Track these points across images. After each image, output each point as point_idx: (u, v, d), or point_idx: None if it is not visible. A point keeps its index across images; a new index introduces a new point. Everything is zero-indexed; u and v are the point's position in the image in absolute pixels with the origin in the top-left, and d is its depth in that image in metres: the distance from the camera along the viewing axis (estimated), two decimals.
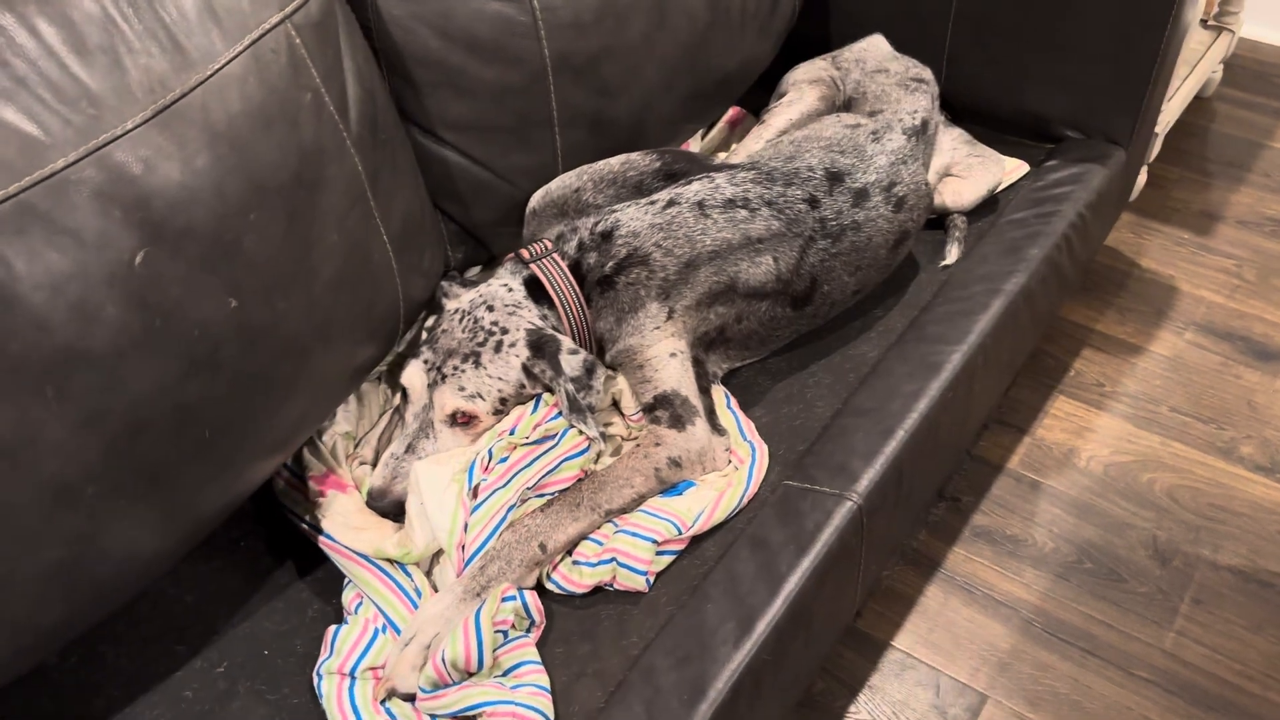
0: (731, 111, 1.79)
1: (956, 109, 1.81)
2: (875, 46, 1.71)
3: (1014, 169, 1.73)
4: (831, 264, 1.40)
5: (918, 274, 1.57)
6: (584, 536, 1.20)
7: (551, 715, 1.06)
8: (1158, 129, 2.00)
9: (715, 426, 1.33)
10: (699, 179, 1.37)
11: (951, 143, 1.67)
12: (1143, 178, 2.08)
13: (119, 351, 0.93)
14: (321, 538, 1.20)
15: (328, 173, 1.09)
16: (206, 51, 0.99)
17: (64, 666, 1.12)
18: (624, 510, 1.22)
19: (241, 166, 1.00)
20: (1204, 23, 2.32)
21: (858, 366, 1.44)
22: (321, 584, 1.20)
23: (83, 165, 0.91)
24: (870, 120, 1.53)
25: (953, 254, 1.58)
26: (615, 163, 1.43)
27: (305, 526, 1.23)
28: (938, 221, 1.65)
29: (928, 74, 1.65)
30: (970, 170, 1.65)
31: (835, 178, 1.41)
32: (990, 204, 1.67)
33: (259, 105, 1.01)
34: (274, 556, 1.24)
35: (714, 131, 1.79)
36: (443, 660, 1.06)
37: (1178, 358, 1.86)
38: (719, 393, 1.39)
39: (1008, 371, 1.61)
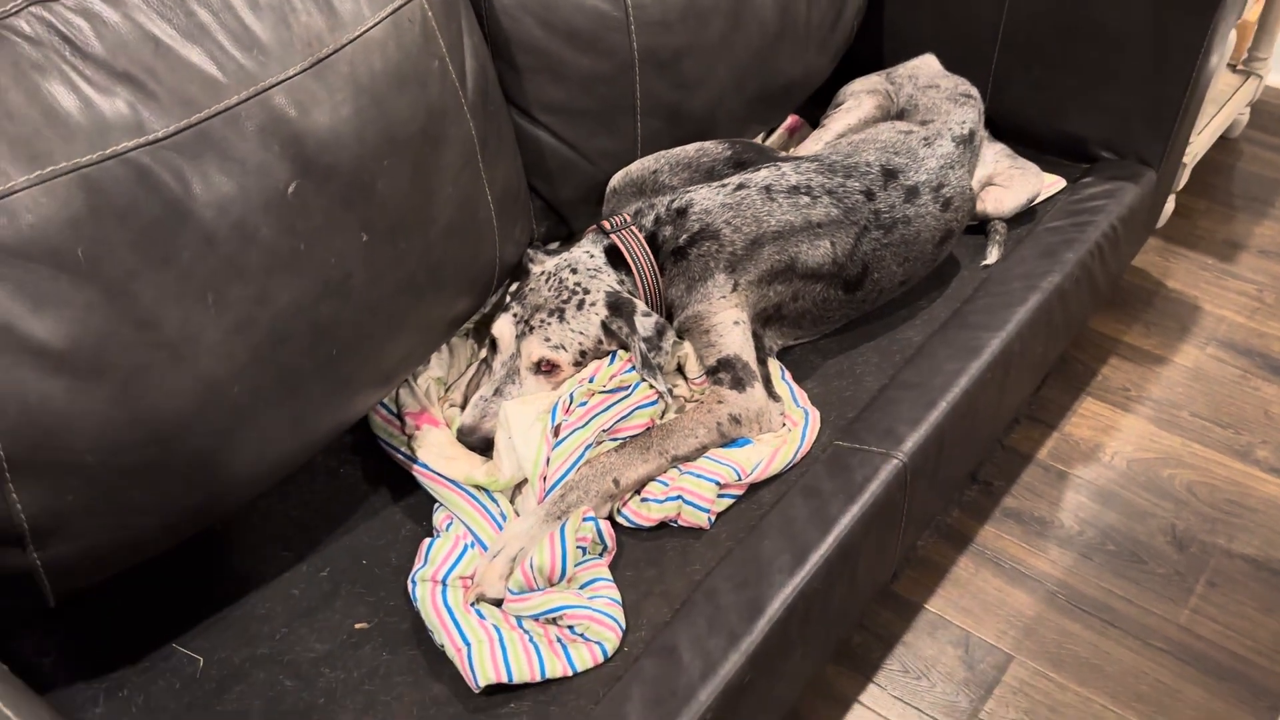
0: (790, 119, 1.93)
1: (1000, 127, 1.93)
2: (927, 64, 1.85)
3: (1052, 183, 1.86)
4: (883, 253, 1.52)
5: (960, 271, 1.70)
6: (652, 478, 1.32)
7: (623, 623, 1.17)
8: (1186, 159, 2.13)
9: (771, 393, 1.45)
10: (767, 167, 1.50)
11: (994, 155, 1.80)
12: (1170, 205, 2.20)
13: (269, 269, 1.07)
14: (416, 466, 1.33)
15: (448, 131, 1.23)
16: (356, 15, 1.13)
17: (187, 561, 1.24)
18: (688, 458, 1.34)
19: (379, 118, 1.14)
20: (1233, 67, 2.46)
21: (904, 348, 1.56)
22: (413, 508, 1.32)
23: (251, 104, 1.05)
24: (922, 128, 1.66)
25: (993, 255, 1.71)
26: (691, 149, 1.57)
27: (401, 456, 1.35)
28: (979, 227, 1.77)
29: (975, 91, 1.78)
30: (1011, 180, 1.78)
31: (890, 174, 1.54)
32: (1029, 213, 1.80)
33: (396, 65, 1.16)
34: (370, 483, 1.36)
35: (774, 136, 1.93)
36: (530, 566, 1.18)
37: (1199, 369, 1.97)
38: (774, 365, 1.51)
39: (1039, 367, 1.73)
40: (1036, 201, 1.81)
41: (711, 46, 1.57)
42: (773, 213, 1.44)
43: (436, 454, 1.33)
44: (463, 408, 1.41)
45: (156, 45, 1.01)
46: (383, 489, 1.35)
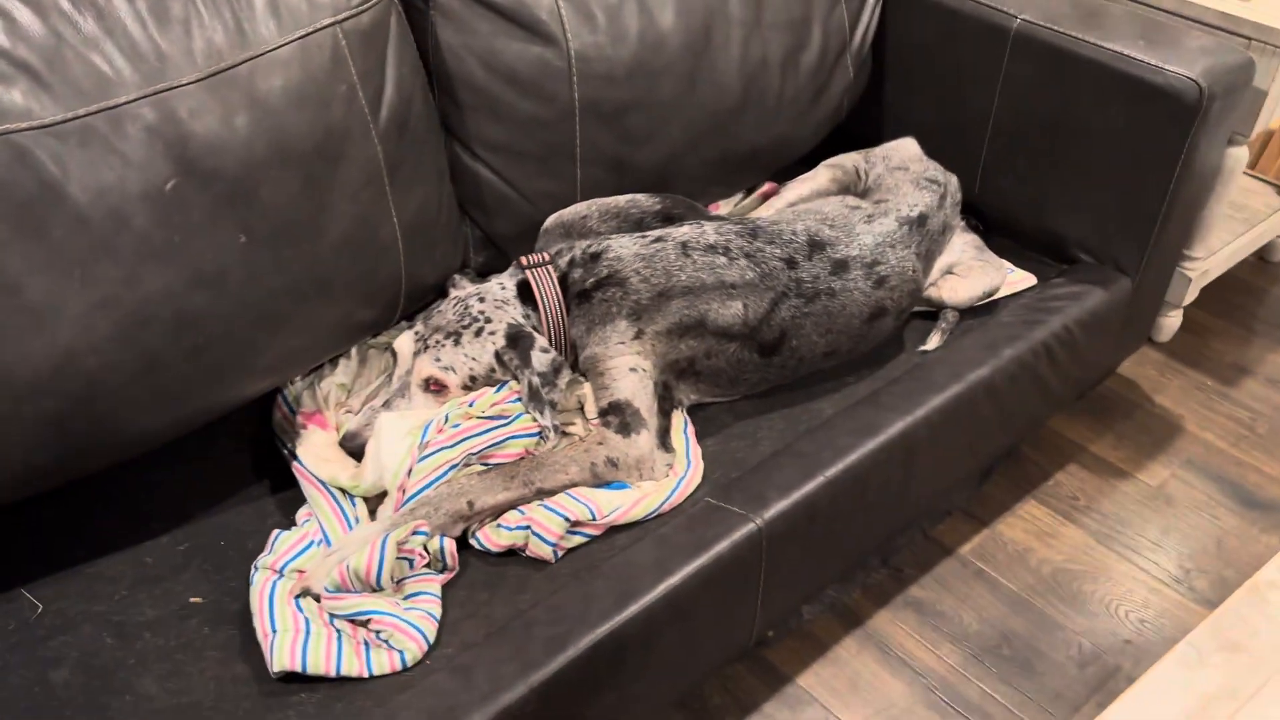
0: (766, 185, 1.96)
1: (986, 219, 1.93)
2: (905, 147, 1.86)
3: (1020, 280, 1.83)
4: (802, 322, 1.54)
5: (899, 355, 1.69)
6: (512, 506, 1.36)
7: (431, 638, 1.22)
8: (1191, 274, 2.06)
9: (665, 444, 1.48)
10: (690, 224, 1.54)
11: (962, 245, 1.79)
12: (1175, 320, 2.13)
13: (139, 255, 1.17)
14: (295, 463, 1.40)
15: (349, 152, 1.31)
16: (263, 37, 1.23)
17: (51, 513, 1.34)
18: (553, 492, 1.38)
19: (272, 131, 1.23)
20: (1278, 187, 2.37)
21: (811, 418, 1.56)
22: (286, 502, 1.40)
23: (140, 104, 1.15)
24: (871, 205, 1.68)
25: (933, 341, 1.69)
26: (622, 200, 1.62)
27: (285, 452, 1.43)
28: (935, 314, 1.76)
29: (946, 178, 1.78)
30: (970, 271, 1.76)
31: (817, 245, 1.55)
32: (990, 307, 1.78)
33: (297, 85, 1.25)
34: (256, 473, 1.44)
35: (747, 200, 1.96)
36: (348, 568, 1.23)
37: (1160, 489, 1.90)
38: (678, 418, 1.54)
39: (963, 459, 1.70)
40: (997, 296, 1.79)
41: (662, 105, 1.62)
42: (685, 268, 1.48)
43: (314, 454, 1.40)
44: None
45: (60, 42, 1.12)
46: (265, 480, 1.43)
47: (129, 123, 1.14)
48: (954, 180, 1.81)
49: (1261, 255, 2.45)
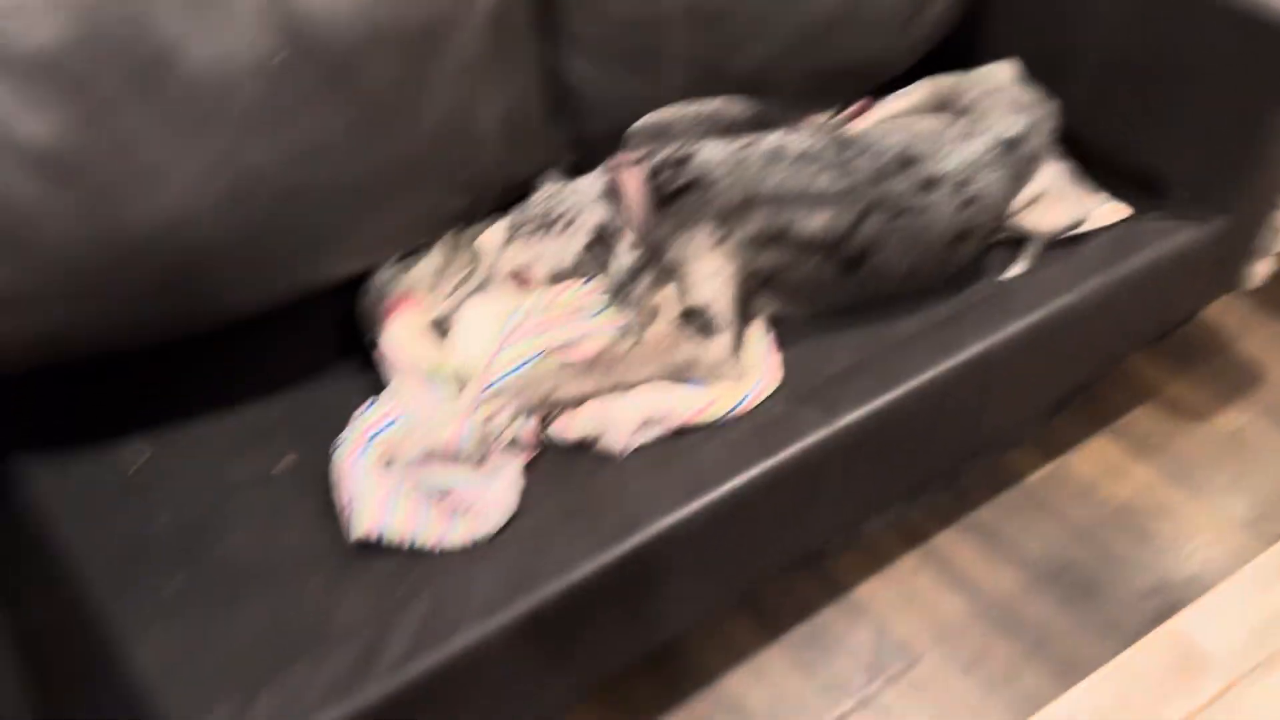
0: (860, 102, 1.94)
1: (1082, 152, 1.89)
2: (1003, 70, 1.82)
3: (1113, 212, 1.80)
4: (887, 237, 1.53)
5: (981, 280, 1.68)
6: (589, 398, 1.39)
7: (509, 511, 1.26)
8: None
9: (741, 350, 1.50)
10: (781, 130, 1.54)
11: (1052, 173, 1.76)
12: (1265, 267, 2.09)
13: (246, 126, 1.20)
14: (380, 345, 1.45)
15: (449, 39, 1.33)
16: None
17: (152, 374, 1.40)
18: (630, 386, 1.41)
19: (376, 11, 1.25)
20: None
21: (890, 335, 1.57)
22: (372, 385, 1.43)
23: None
24: (967, 125, 1.66)
25: (1017, 267, 1.68)
26: (714, 104, 1.62)
27: (370, 337, 1.47)
28: (1021, 241, 1.75)
29: (1042, 104, 1.75)
30: (1059, 199, 1.74)
31: (907, 161, 1.54)
32: (1077, 238, 1.75)
33: None
34: (343, 355, 1.48)
35: (838, 118, 1.94)
36: (434, 441, 1.28)
37: (1237, 433, 1.88)
38: (757, 326, 1.55)
39: (1040, 387, 1.70)
40: (1087, 227, 1.76)
41: (762, 11, 1.61)
42: (772, 174, 1.48)
43: (401, 337, 1.44)
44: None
45: None
46: (356, 357, 1.46)
47: None
48: (1050, 108, 1.78)
49: None
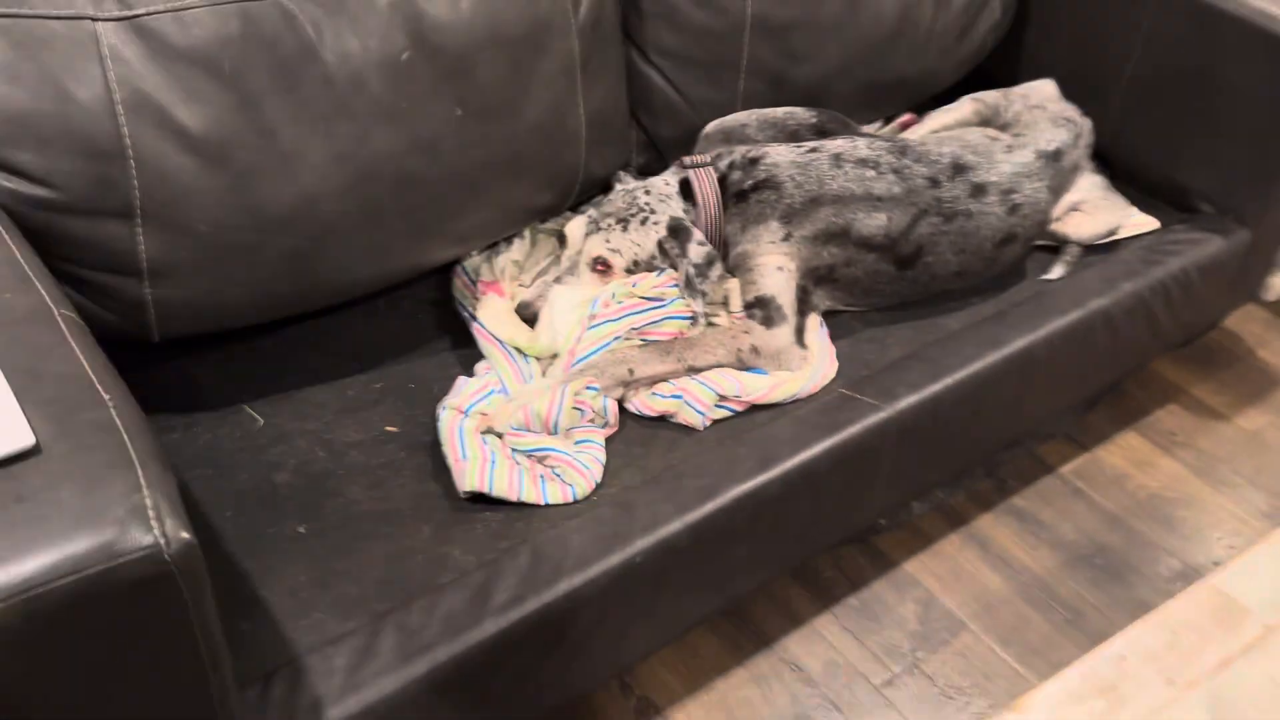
0: (906, 116, 2.06)
1: (1113, 165, 2.01)
2: (1043, 88, 1.95)
3: (1143, 222, 1.93)
4: (938, 239, 1.66)
5: (1023, 282, 1.80)
6: (665, 378, 1.51)
7: (598, 478, 1.37)
8: None
9: (802, 341, 1.61)
10: (843, 138, 1.67)
11: (1089, 184, 1.89)
12: None
13: (372, 116, 1.32)
14: (475, 324, 1.56)
15: (550, 43, 1.45)
16: None
17: (269, 345, 1.52)
18: (702, 369, 1.52)
19: (491, 16, 1.38)
20: None
21: (939, 330, 1.68)
22: (464, 357, 1.55)
23: None
24: (1011, 138, 1.78)
25: (1056, 271, 1.80)
26: (780, 111, 1.75)
27: (465, 314, 1.59)
28: (1058, 248, 1.87)
29: (1081, 120, 1.87)
30: (1096, 209, 1.86)
31: (960, 168, 1.67)
32: (1112, 245, 1.88)
33: None
34: (437, 330, 1.60)
35: (888, 128, 2.07)
36: (530, 411, 1.39)
37: (1258, 433, 2.00)
38: (815, 319, 1.67)
39: (1074, 384, 1.81)
40: (1120, 235, 1.88)
41: (823, 26, 1.74)
42: (836, 178, 1.60)
43: (493, 317, 1.56)
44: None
45: None
46: (446, 337, 1.59)
47: None
48: (1088, 123, 1.90)
49: None
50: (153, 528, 0.83)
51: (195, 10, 1.20)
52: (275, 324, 1.51)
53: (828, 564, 1.71)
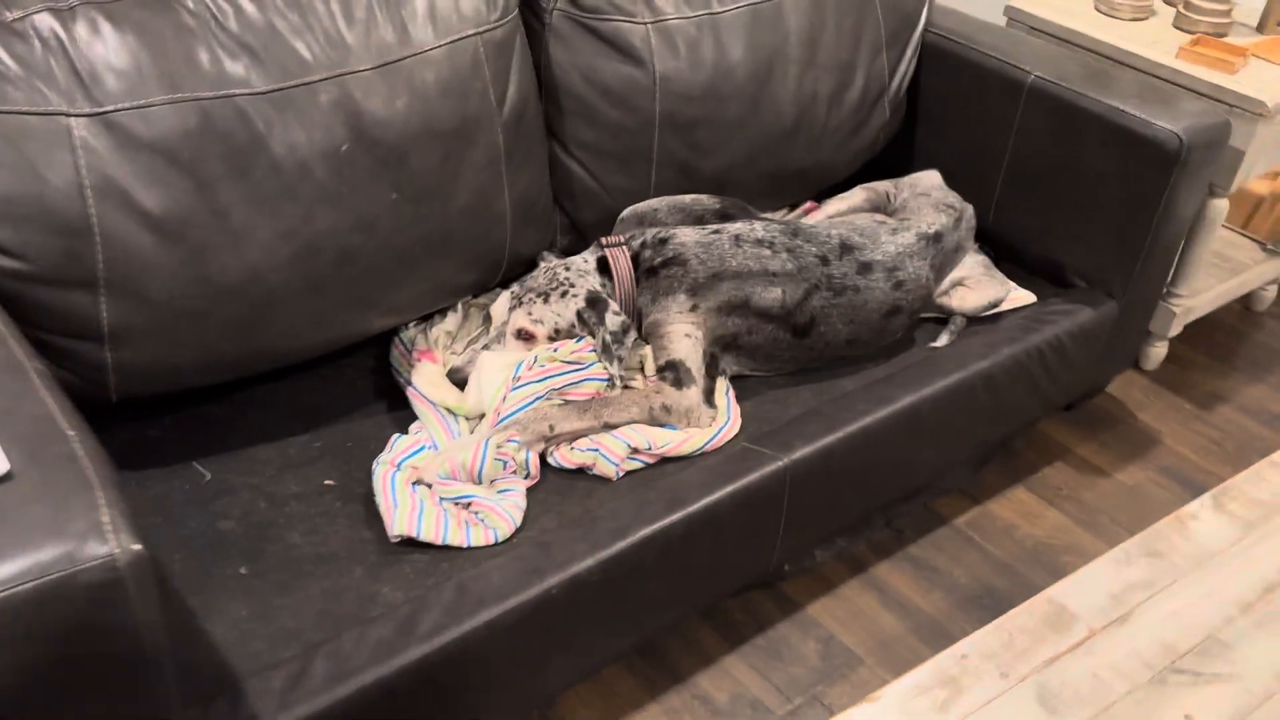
0: (808, 204, 2.27)
1: (996, 245, 2.22)
2: (929, 178, 2.17)
3: (1022, 297, 2.13)
4: (830, 310, 1.84)
5: (911, 349, 1.98)
6: (583, 434, 1.66)
7: (518, 522, 1.51)
8: (1175, 309, 2.35)
9: (710, 401, 1.78)
10: (743, 221, 1.86)
11: (972, 263, 2.09)
12: (1161, 350, 2.42)
13: (315, 199, 1.49)
14: (410, 388, 1.71)
15: (479, 137, 1.64)
16: (422, 39, 1.56)
17: (215, 408, 1.66)
18: (617, 426, 1.68)
19: (424, 113, 1.56)
20: (1262, 245, 2.65)
21: (834, 391, 1.86)
22: (399, 419, 1.70)
23: (329, 83, 1.48)
24: (896, 222, 1.98)
25: (943, 339, 1.99)
26: (688, 198, 1.94)
27: (401, 380, 1.74)
28: (945, 320, 2.06)
29: (963, 206, 2.08)
30: (979, 284, 2.06)
31: (847, 248, 1.86)
32: (993, 317, 2.07)
33: (445, 80, 1.58)
34: (376, 395, 1.74)
35: (791, 215, 2.27)
36: (456, 462, 1.54)
37: (1136, 488, 2.17)
38: (722, 383, 1.84)
39: (962, 438, 1.99)
40: (1001, 308, 2.08)
41: (727, 123, 1.94)
42: (736, 255, 1.79)
43: (426, 381, 1.71)
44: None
45: (273, 32, 1.46)
46: (383, 400, 1.73)
47: (320, 95, 1.47)
48: (969, 209, 2.11)
49: (1246, 304, 2.74)
50: (108, 540, 0.96)
51: (159, 107, 1.37)
52: (224, 387, 1.65)
53: (737, 607, 1.85)
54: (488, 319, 1.88)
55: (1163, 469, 2.24)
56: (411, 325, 1.81)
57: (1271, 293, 2.73)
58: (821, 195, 2.27)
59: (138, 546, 0.97)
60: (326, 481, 1.57)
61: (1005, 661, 1.16)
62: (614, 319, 1.73)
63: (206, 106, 1.40)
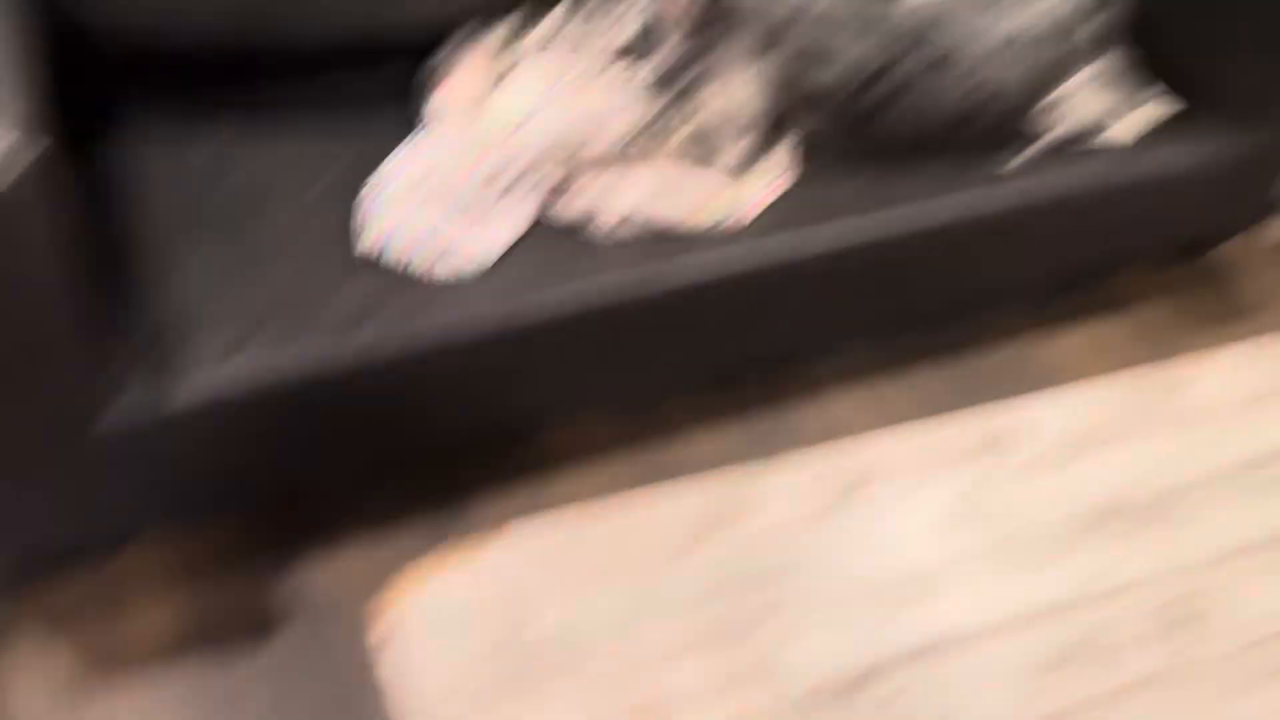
0: None
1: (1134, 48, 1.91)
2: None
3: (1142, 117, 1.83)
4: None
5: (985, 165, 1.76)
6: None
7: (488, 262, 1.46)
8: None
9: (751, 163, 1.63)
10: None
11: (1092, 74, 1.82)
12: None
13: None
14: (425, 109, 1.63)
15: None
16: None
17: (255, 96, 1.64)
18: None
19: None
20: None
21: (881, 197, 1.66)
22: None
23: None
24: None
25: (1018, 160, 1.74)
26: None
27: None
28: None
29: None
30: (1089, 102, 1.81)
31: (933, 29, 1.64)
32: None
33: None
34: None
35: None
36: (446, 179, 1.53)
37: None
38: (774, 153, 1.67)
39: (1026, 262, 1.86)
40: (1110, 134, 1.81)
41: None
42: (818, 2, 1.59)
43: (452, 96, 1.64)
44: None
45: None
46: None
47: None
48: None
49: None
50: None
51: None
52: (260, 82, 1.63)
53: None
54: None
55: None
56: (447, 46, 1.70)
57: None
58: None
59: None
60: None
61: None
62: (671, 52, 1.62)
63: None
